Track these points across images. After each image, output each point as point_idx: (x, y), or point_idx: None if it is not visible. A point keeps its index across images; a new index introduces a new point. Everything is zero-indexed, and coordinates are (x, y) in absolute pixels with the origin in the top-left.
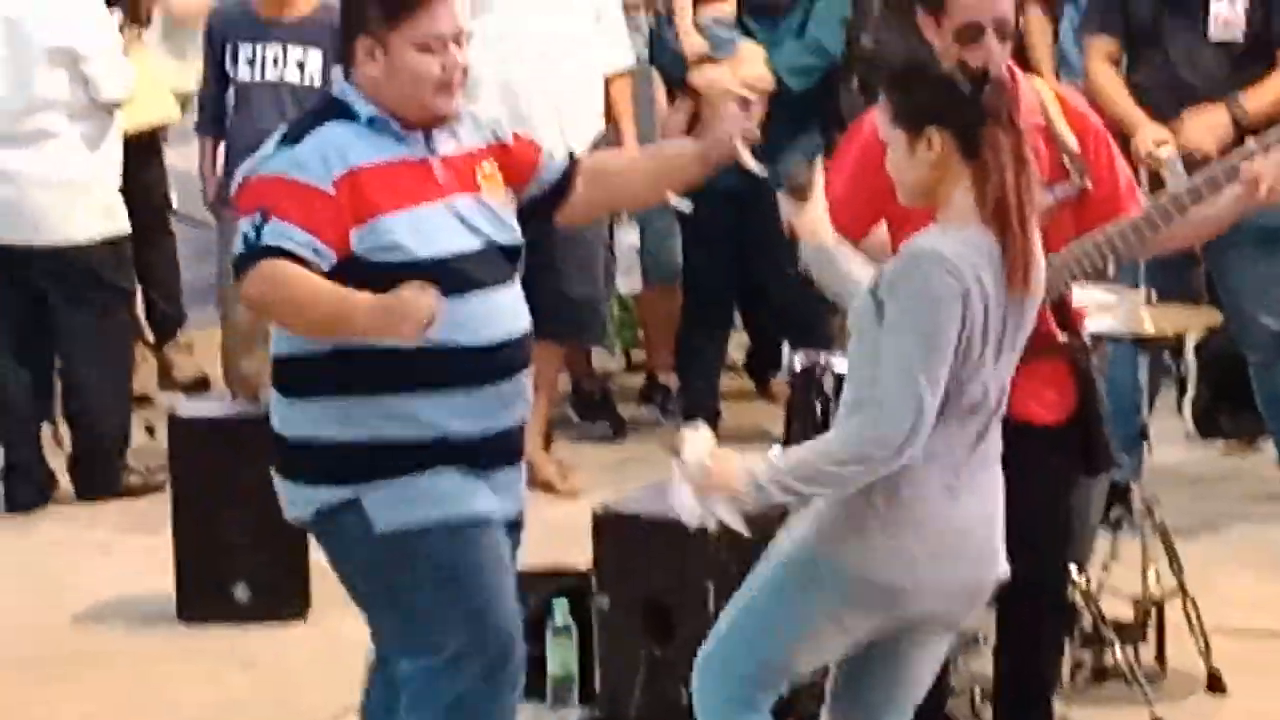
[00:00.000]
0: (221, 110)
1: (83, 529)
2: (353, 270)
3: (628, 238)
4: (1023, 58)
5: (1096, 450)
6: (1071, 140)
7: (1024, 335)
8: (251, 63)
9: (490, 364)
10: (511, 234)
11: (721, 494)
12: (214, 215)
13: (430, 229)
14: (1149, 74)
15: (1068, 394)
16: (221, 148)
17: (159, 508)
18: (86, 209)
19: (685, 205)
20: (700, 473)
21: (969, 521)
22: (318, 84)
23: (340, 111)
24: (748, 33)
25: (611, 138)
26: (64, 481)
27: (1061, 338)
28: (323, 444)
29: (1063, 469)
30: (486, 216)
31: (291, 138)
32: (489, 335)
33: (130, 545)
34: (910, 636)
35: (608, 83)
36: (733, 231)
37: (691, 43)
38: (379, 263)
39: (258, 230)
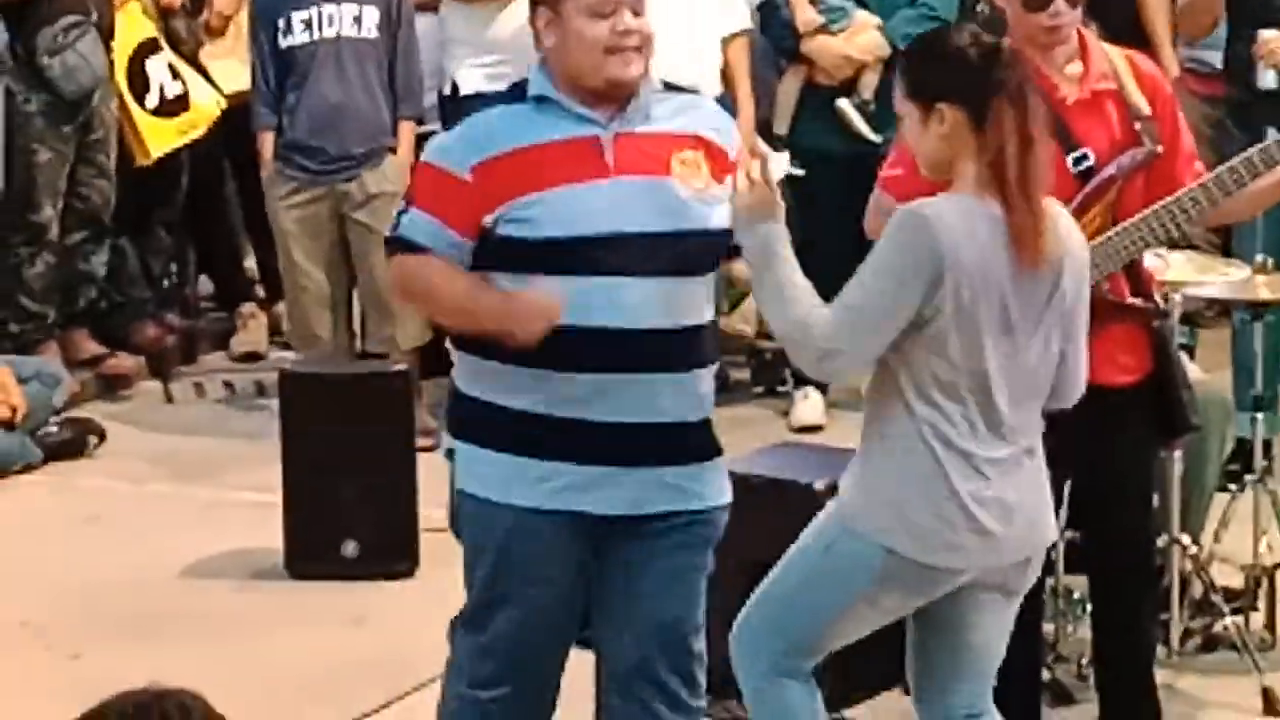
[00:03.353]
0: (277, 96)
1: (192, 485)
2: (485, 243)
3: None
4: (1141, 27)
5: (1174, 413)
6: (1143, 104)
7: (1046, 319)
8: (309, 25)
9: (607, 353)
10: (691, 222)
11: (753, 202)
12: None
13: (571, 209)
14: None
15: (1143, 357)
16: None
17: (270, 465)
18: None
19: (797, 169)
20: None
21: (1004, 497)
22: (374, 36)
23: (512, 93)
24: (858, 1)
25: (729, 101)
26: (174, 441)
27: (1133, 301)
28: (454, 391)
29: (1141, 431)
30: (661, 201)
31: (454, 123)
32: (616, 322)
33: (240, 501)
34: (966, 601)
35: (724, 45)
36: (844, 196)
37: (806, 14)
38: (506, 237)
39: (400, 216)
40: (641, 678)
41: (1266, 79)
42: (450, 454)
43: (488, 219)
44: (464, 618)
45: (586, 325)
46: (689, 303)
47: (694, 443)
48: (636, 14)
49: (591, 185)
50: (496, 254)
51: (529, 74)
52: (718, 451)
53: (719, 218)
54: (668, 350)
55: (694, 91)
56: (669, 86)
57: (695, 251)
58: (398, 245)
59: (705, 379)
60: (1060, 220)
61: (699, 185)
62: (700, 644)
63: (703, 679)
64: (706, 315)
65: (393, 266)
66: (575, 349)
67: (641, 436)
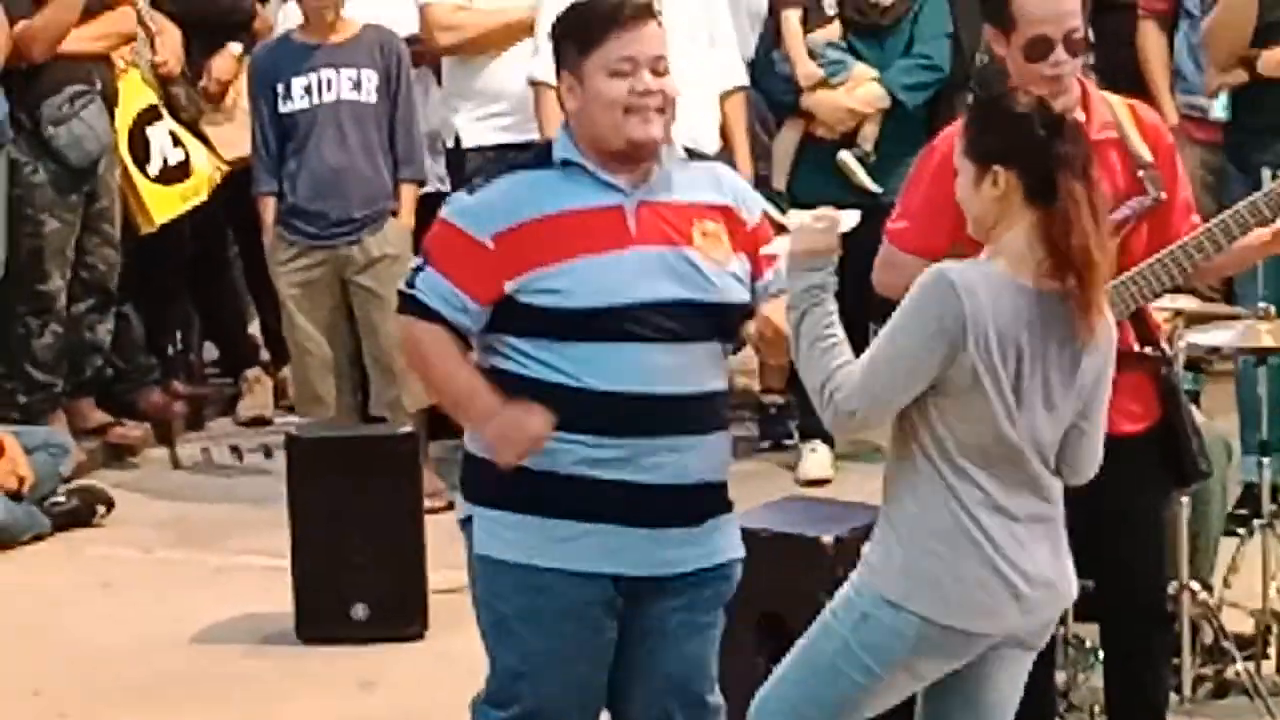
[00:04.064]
0: (278, 161)
1: (201, 551)
2: (504, 311)
3: None
4: (1138, 74)
5: (1184, 459)
6: (1145, 152)
7: (1083, 394)
8: (308, 91)
9: (625, 416)
10: (720, 294)
11: (807, 245)
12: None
13: (596, 279)
14: None
15: (1151, 404)
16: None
17: (278, 529)
18: None
19: (779, 215)
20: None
21: (1036, 560)
22: (373, 100)
23: (539, 158)
24: (855, 54)
25: (726, 157)
26: (182, 507)
27: (1141, 349)
28: (467, 455)
29: (1151, 479)
30: (683, 273)
31: (479, 184)
32: (627, 387)
33: (249, 566)
34: (990, 661)
35: (721, 101)
36: (849, 248)
37: (806, 67)
38: (528, 305)
39: (416, 273)
40: None
41: (1216, 109)
42: (467, 521)
43: (508, 286)
44: (490, 693)
45: (611, 390)
46: (709, 369)
47: (714, 502)
48: (657, 74)
49: (613, 256)
50: (516, 320)
51: (555, 136)
52: (730, 506)
53: (739, 291)
54: (691, 414)
55: (712, 158)
56: (691, 154)
57: (715, 321)
58: (410, 305)
59: (726, 441)
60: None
61: (719, 258)
62: (716, 697)
63: None
64: (724, 380)
65: (403, 326)
66: (600, 413)
67: (668, 498)
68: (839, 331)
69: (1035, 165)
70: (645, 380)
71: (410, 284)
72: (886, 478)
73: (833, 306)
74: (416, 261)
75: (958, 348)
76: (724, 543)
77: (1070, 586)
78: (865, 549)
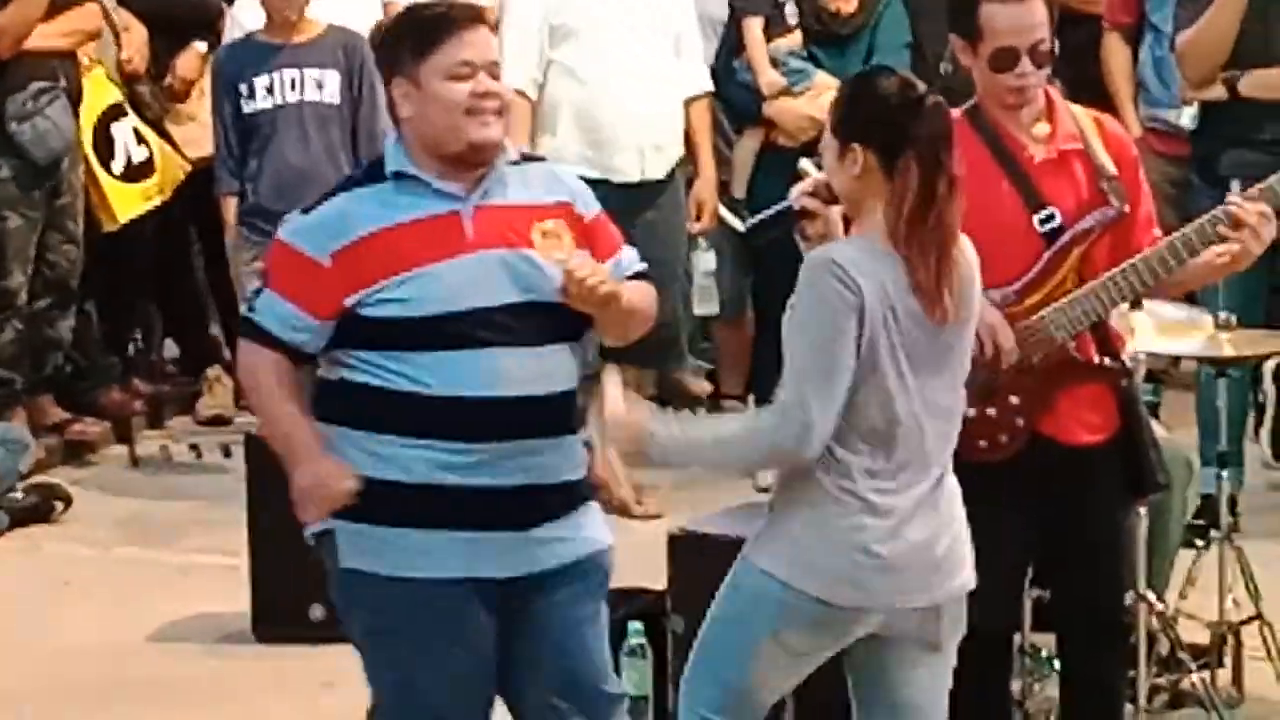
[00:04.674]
0: (240, 161)
1: (159, 549)
2: (349, 325)
3: (704, 262)
4: (1101, 86)
5: (1143, 471)
6: (1109, 164)
7: (953, 364)
8: (270, 90)
9: (480, 421)
10: (553, 294)
11: (625, 445)
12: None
13: (437, 286)
14: None
15: (1110, 416)
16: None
17: (237, 528)
18: None
19: (738, 223)
20: (613, 423)
21: (905, 541)
22: (337, 101)
23: (370, 173)
24: (815, 62)
25: (689, 163)
26: (140, 505)
27: (1101, 360)
28: None
29: (1110, 490)
30: (524, 272)
31: (314, 204)
32: (479, 392)
33: (207, 565)
34: (889, 657)
35: (686, 107)
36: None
37: (769, 76)
38: (370, 317)
39: (256, 294)
40: None
41: (1184, 118)
42: (323, 535)
43: (349, 300)
44: (384, 710)
45: (460, 395)
46: (559, 370)
47: (576, 496)
48: (494, 77)
49: (453, 262)
50: (360, 333)
51: (382, 151)
52: (592, 496)
53: None
54: (544, 417)
55: (542, 159)
56: (526, 157)
57: (561, 320)
58: (246, 328)
59: (579, 440)
60: (968, 267)
61: (560, 256)
62: (614, 686)
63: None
64: (576, 380)
65: (241, 350)
66: (452, 420)
67: (531, 498)
68: (715, 426)
69: (887, 142)
70: (494, 384)
71: (250, 307)
72: None
73: (691, 429)
74: (257, 284)
75: (861, 319)
76: (592, 532)
77: (957, 573)
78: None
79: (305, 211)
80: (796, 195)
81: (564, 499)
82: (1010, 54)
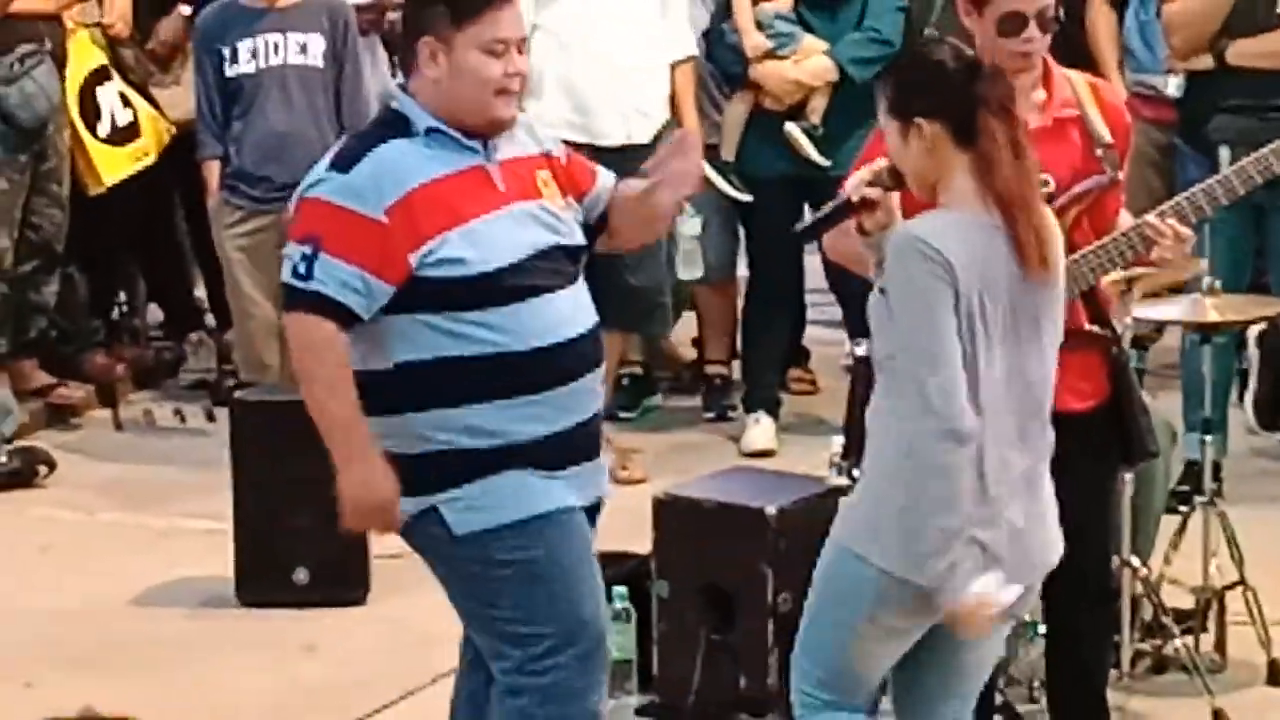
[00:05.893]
0: (223, 125)
1: (143, 513)
2: (413, 288)
3: (689, 227)
4: (1087, 51)
5: (1132, 438)
6: (1105, 132)
7: (1047, 325)
8: (254, 54)
9: (554, 367)
10: (574, 236)
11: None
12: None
13: (490, 240)
14: None
15: (1100, 383)
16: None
17: (220, 492)
18: None
19: (744, 195)
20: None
21: (1010, 519)
22: (320, 65)
23: (397, 127)
24: (806, 26)
25: (674, 126)
26: (124, 469)
27: (1092, 328)
28: (395, 457)
29: (1100, 457)
30: (548, 221)
31: (347, 160)
32: (550, 339)
33: (191, 529)
34: None
35: (671, 71)
36: (793, 220)
37: (754, 39)
38: (437, 277)
39: (309, 262)
40: None
41: (1170, 87)
42: (421, 516)
43: (412, 258)
44: (556, 644)
45: (539, 345)
46: (589, 303)
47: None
48: (521, 52)
49: (496, 214)
50: (420, 297)
51: (397, 106)
52: None
53: (580, 232)
54: (595, 349)
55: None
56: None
57: (576, 258)
58: (304, 300)
59: None
60: (1053, 220)
61: (561, 203)
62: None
63: None
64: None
65: (295, 322)
66: (540, 371)
67: (595, 429)
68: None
69: (956, 110)
70: (558, 328)
71: (305, 274)
72: (869, 429)
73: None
74: (301, 251)
75: (958, 294)
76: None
77: (1051, 554)
78: (844, 499)
79: (342, 170)
80: (854, 187)
81: (600, 433)
82: (1018, 18)
